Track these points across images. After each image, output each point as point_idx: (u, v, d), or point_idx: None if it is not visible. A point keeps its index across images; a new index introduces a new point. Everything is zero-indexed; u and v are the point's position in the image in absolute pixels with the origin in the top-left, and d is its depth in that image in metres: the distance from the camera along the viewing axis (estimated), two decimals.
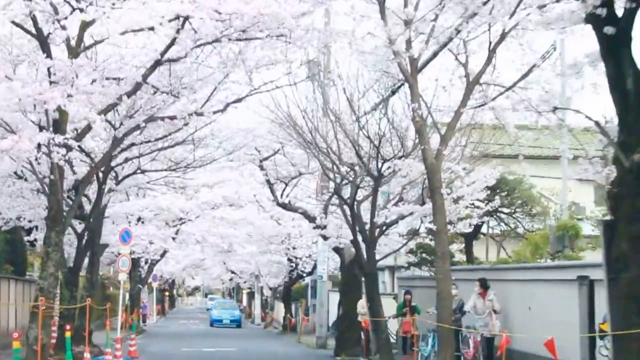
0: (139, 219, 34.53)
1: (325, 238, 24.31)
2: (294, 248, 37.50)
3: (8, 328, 23.03)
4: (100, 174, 20.18)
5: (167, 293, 79.47)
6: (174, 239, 37.52)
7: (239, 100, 17.40)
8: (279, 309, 49.46)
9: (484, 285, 17.93)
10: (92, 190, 21.69)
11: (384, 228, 20.64)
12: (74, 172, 18.59)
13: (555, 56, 14.31)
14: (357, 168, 20.39)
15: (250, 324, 53.32)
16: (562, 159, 24.60)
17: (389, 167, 19.32)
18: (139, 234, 34.52)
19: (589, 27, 8.24)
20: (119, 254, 28.39)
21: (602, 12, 7.89)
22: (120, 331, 28.71)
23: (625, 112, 8.02)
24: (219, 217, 38.10)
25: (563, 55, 19.42)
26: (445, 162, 17.00)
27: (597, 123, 8.79)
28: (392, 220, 20.27)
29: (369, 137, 19.08)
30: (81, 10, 14.19)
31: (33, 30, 15.04)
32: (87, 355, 18.14)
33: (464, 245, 24.17)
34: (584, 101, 12.24)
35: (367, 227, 20.45)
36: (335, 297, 30.91)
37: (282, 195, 25.57)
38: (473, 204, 19.84)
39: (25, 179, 20.05)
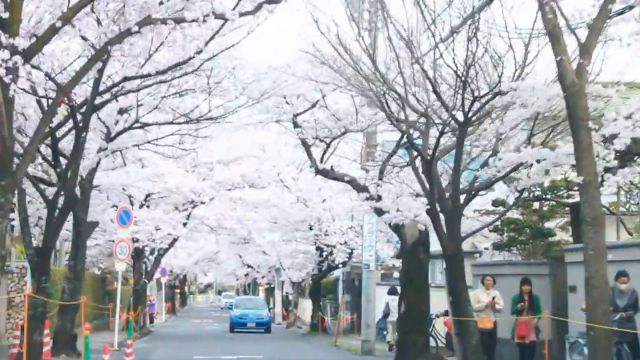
0: (142, 203, 29.34)
1: (380, 213, 18.79)
2: (325, 234, 32.01)
3: None
4: (79, 116, 14.51)
5: (178, 290, 74.57)
6: (184, 224, 32.28)
7: (276, 0, 11.75)
8: (304, 306, 44.43)
9: None
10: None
11: (472, 193, 14.96)
12: (41, 107, 13.37)
13: None
14: (430, 111, 14.80)
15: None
16: None
17: (480, 108, 13.75)
18: (143, 218, 29.38)
19: None
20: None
21: None
22: (120, 334, 24.09)
23: None
24: (236, 198, 32.90)
25: None
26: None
27: None
28: (488, 179, 14.67)
29: (455, 65, 13.33)
30: None
31: None
32: None
33: (569, 218, 18.37)
34: None
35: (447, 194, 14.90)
36: (380, 291, 25.54)
37: (322, 160, 20.11)
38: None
39: None
